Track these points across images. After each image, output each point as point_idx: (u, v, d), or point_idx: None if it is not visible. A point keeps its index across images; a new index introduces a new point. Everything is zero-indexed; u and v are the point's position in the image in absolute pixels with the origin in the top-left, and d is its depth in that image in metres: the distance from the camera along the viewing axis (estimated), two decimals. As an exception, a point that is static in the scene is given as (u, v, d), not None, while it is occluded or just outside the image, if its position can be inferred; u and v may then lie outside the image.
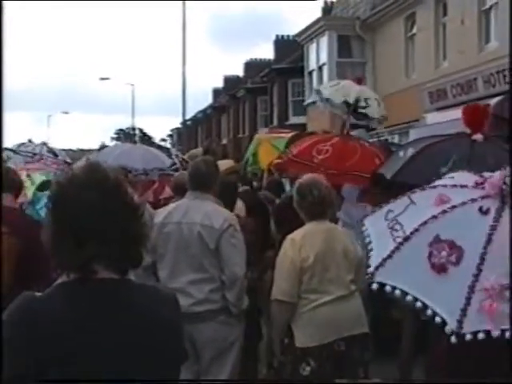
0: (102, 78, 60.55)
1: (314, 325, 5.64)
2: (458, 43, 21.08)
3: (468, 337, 2.83)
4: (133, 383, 2.67)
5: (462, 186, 3.32)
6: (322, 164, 7.92)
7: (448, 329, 2.86)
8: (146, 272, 5.84)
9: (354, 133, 10.43)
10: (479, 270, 2.91)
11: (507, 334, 2.82)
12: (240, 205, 7.65)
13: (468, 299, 2.87)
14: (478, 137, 6.52)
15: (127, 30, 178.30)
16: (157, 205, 8.84)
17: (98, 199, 2.66)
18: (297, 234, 5.86)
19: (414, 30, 24.57)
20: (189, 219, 6.00)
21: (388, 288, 3.06)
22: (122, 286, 2.71)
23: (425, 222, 3.14)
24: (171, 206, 6.43)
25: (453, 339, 2.84)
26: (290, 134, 12.73)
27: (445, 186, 3.37)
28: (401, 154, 7.63)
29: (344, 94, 10.44)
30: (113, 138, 59.36)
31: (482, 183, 3.30)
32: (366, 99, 10.80)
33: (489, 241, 2.99)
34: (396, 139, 22.19)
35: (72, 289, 2.67)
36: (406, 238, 3.13)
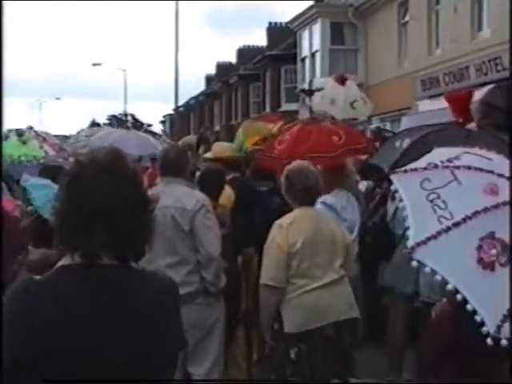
0: (95, 64, 60.36)
1: (303, 310, 5.65)
2: (450, 31, 21.07)
3: (504, 342, 2.79)
4: (131, 367, 2.66)
5: (508, 178, 3.20)
6: (279, 155, 7.91)
7: (485, 330, 2.80)
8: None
9: None
10: None
11: None
12: (228, 191, 7.65)
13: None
14: (472, 126, 6.53)
15: (120, 15, 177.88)
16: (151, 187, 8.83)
17: (116, 185, 2.63)
18: (284, 220, 5.86)
19: (407, 18, 24.56)
20: (161, 204, 5.98)
21: (427, 269, 2.96)
22: (124, 272, 2.71)
23: (477, 212, 3.02)
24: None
25: (489, 341, 2.78)
26: (277, 125, 12.70)
27: (491, 171, 3.23)
28: (397, 144, 7.60)
29: (331, 101, 10.43)
30: (105, 124, 59.04)
31: None
32: (351, 103, 10.76)
33: None
34: (388, 127, 22.18)
35: (75, 273, 2.64)
36: (456, 224, 3.00)
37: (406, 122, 16.28)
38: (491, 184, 3.15)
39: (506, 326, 2.80)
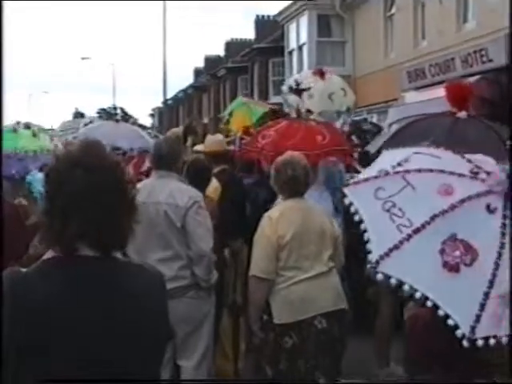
0: (83, 58, 60.34)
1: (292, 301, 5.64)
2: (436, 23, 21.09)
3: (480, 342, 2.77)
4: (118, 360, 2.64)
5: (461, 175, 3.18)
6: (264, 147, 7.94)
7: (460, 333, 2.78)
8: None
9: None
10: (494, 276, 2.83)
11: None
12: (216, 184, 7.63)
13: (482, 305, 2.79)
14: (462, 114, 6.52)
15: (109, 10, 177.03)
16: (138, 177, 8.83)
17: (87, 177, 2.63)
18: (274, 212, 5.87)
19: (393, 10, 24.56)
20: (154, 199, 6.00)
21: (393, 281, 2.92)
22: (105, 263, 2.68)
23: (435, 215, 2.99)
24: (138, 185, 6.41)
25: (465, 343, 2.77)
26: (267, 107, 12.65)
27: (442, 171, 3.19)
28: (385, 130, 7.65)
29: (309, 95, 10.41)
30: (95, 118, 59.09)
31: (477, 173, 3.18)
32: (330, 94, 10.70)
33: (502, 245, 2.90)
34: (375, 118, 22.18)
35: (54, 265, 2.64)
36: (416, 230, 2.96)
37: (392, 114, 16.26)
38: (445, 185, 3.12)
39: (480, 326, 2.78)
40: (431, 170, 3.21)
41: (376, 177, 3.29)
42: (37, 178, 8.53)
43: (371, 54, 25.52)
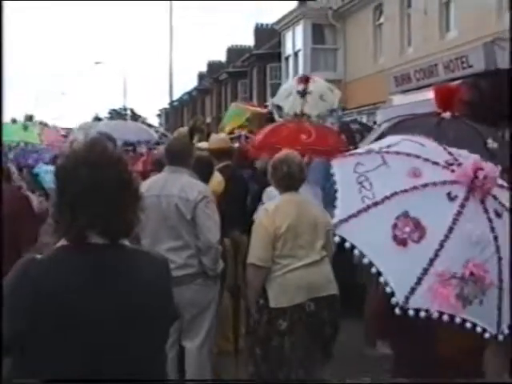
0: (97, 62, 60.37)
1: (286, 287, 5.64)
2: (421, 32, 21.11)
3: (411, 312, 2.77)
4: (125, 339, 2.65)
5: (434, 163, 3.15)
6: (255, 142, 8.04)
7: (394, 300, 2.79)
8: (134, 240, 5.85)
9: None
10: (436, 256, 2.82)
11: (445, 317, 2.76)
12: (219, 178, 7.63)
13: (419, 279, 2.79)
14: (446, 114, 6.50)
15: (121, 21, 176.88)
16: (145, 173, 8.97)
17: (92, 174, 2.64)
18: (271, 205, 5.88)
19: (382, 20, 24.56)
20: (167, 192, 6.00)
21: (347, 245, 2.93)
22: (113, 250, 2.70)
23: (395, 193, 2.99)
24: (151, 179, 6.42)
25: (397, 311, 2.77)
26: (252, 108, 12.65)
27: (418, 157, 3.17)
28: (376, 127, 7.63)
29: (301, 102, 10.35)
30: (106, 118, 59.30)
31: (451, 164, 3.15)
32: (321, 96, 10.63)
33: (450, 229, 2.88)
34: (364, 119, 22.23)
35: (66, 252, 2.66)
36: (375, 203, 2.97)
37: (381, 115, 16.26)
38: (415, 168, 3.10)
39: (413, 297, 2.77)
40: (408, 154, 3.20)
41: (360, 153, 3.31)
42: (43, 170, 8.64)
43: (361, 60, 25.52)
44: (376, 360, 7.37)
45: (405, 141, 3.35)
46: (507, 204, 3.08)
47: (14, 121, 13.41)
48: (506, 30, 15.76)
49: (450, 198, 2.99)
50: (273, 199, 6.26)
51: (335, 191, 3.14)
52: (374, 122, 15.22)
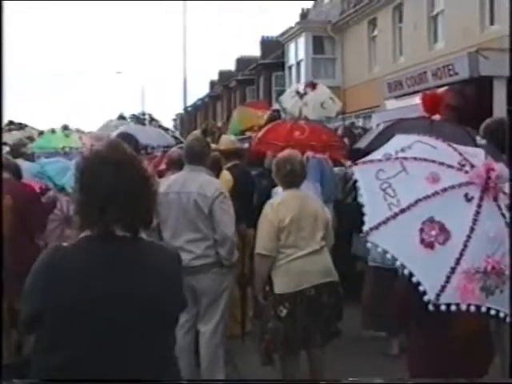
0: (118, 72, 60.42)
1: (290, 274, 5.64)
2: (411, 43, 21.12)
3: (443, 307, 2.81)
4: (137, 322, 2.65)
5: (449, 166, 3.16)
6: (255, 139, 8.12)
7: (427, 298, 2.82)
8: (153, 232, 5.87)
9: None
10: (461, 255, 2.85)
11: (472, 308, 2.82)
12: (228, 177, 7.63)
13: (448, 278, 2.82)
14: (436, 117, 6.51)
15: (139, 35, 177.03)
16: (158, 173, 8.92)
17: (115, 173, 2.66)
18: (275, 200, 5.90)
19: (376, 32, 24.53)
20: (186, 189, 6.00)
21: (380, 249, 2.98)
22: (131, 242, 2.71)
23: (419, 200, 3.00)
24: (172, 177, 6.41)
25: (430, 307, 2.81)
26: (265, 114, 12.59)
27: (434, 161, 3.18)
28: (374, 127, 7.65)
29: (304, 103, 10.39)
30: (130, 118, 59.49)
31: (464, 165, 3.16)
32: (322, 103, 10.70)
33: (472, 230, 2.91)
34: (361, 122, 22.29)
35: (94, 242, 2.68)
36: (402, 210, 2.99)
37: (375, 118, 16.25)
38: (433, 173, 3.10)
39: (444, 294, 2.80)
40: (425, 159, 3.20)
41: (380, 160, 3.28)
42: (46, 162, 9.03)
43: (357, 69, 25.49)
44: (372, 341, 7.42)
45: (417, 143, 3.34)
46: None
47: (53, 131, 13.51)
48: (489, 40, 15.77)
49: (468, 199, 3.02)
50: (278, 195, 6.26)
51: (360, 196, 3.17)
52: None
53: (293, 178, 5.84)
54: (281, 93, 32.89)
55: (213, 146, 8.83)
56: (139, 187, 2.71)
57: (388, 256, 2.95)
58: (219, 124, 46.36)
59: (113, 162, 2.68)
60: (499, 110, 13.76)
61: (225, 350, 6.30)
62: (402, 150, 3.29)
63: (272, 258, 5.68)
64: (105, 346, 2.60)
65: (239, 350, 7.27)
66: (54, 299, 2.58)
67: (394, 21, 22.87)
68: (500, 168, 3.09)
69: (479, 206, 2.99)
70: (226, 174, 7.66)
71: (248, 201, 7.55)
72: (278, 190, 6.58)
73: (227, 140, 8.96)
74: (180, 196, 5.97)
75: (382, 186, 3.09)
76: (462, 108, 12.35)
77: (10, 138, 15.63)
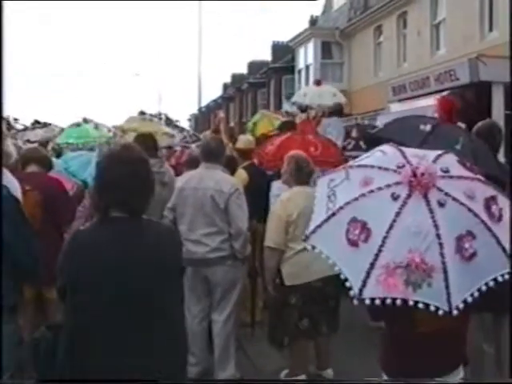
0: (136, 74, 60.49)
1: (298, 267, 5.68)
2: (415, 50, 21.08)
3: (367, 301, 2.78)
4: (144, 287, 3.02)
5: (385, 169, 3.10)
6: (267, 154, 8.14)
7: (352, 293, 2.82)
8: (169, 221, 5.97)
9: (328, 120, 10.28)
10: (379, 251, 2.83)
11: (398, 302, 2.76)
12: (244, 175, 7.67)
13: (368, 273, 2.80)
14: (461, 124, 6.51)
15: (157, 39, 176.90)
16: (177, 167, 9.29)
17: (125, 169, 3.08)
18: (284, 196, 5.93)
19: (381, 39, 24.48)
20: (203, 185, 6.01)
21: (317, 251, 3.02)
22: (131, 221, 3.10)
23: (348, 202, 3.01)
24: (189, 174, 6.42)
25: (355, 302, 2.80)
26: (281, 118, 12.72)
27: (373, 166, 3.14)
28: (421, 127, 7.49)
29: (303, 93, 12.26)
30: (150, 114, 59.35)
31: (402, 167, 3.08)
32: (334, 93, 12.18)
33: (391, 226, 2.87)
34: (366, 123, 22.16)
35: (98, 223, 3.15)
36: (333, 214, 3.02)
37: (380, 120, 16.23)
38: (366, 177, 3.09)
39: (365, 289, 2.79)
40: (366, 166, 3.19)
41: (336, 170, 3.33)
42: (69, 156, 8.99)
43: (363, 73, 25.46)
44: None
45: (377, 152, 3.31)
46: (456, 192, 2.99)
47: (78, 125, 13.35)
48: (488, 47, 15.75)
49: (394, 197, 2.96)
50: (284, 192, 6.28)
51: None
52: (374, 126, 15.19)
53: (300, 175, 5.89)
54: (290, 96, 32.96)
55: (230, 145, 8.90)
56: (142, 181, 3.12)
57: (323, 256, 3.00)
58: (232, 124, 46.48)
59: (123, 161, 3.09)
60: (497, 113, 13.81)
61: (236, 338, 6.34)
62: (360, 159, 3.33)
63: (280, 251, 5.72)
64: (119, 307, 2.98)
65: (249, 338, 7.32)
66: (76, 274, 3.02)
67: (398, 28, 22.83)
68: (428, 166, 3.03)
69: (404, 203, 2.95)
70: (241, 173, 7.68)
71: (261, 199, 7.55)
72: (277, 184, 6.66)
73: (245, 139, 8.99)
74: (197, 191, 5.99)
75: (328, 194, 3.14)
76: (462, 111, 12.34)
77: (33, 136, 15.63)
